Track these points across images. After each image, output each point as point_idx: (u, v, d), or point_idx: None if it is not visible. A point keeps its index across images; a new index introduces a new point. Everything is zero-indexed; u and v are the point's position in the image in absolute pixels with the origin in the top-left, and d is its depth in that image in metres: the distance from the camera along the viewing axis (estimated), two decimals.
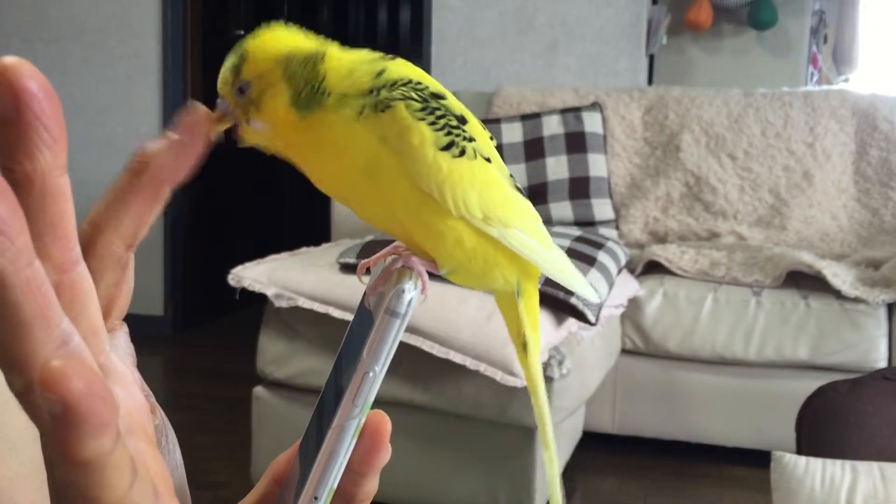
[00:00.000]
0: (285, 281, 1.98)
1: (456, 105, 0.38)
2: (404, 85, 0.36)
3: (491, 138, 0.40)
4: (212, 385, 3.13)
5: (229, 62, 0.36)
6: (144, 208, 0.28)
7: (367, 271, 0.37)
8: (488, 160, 0.38)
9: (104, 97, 3.80)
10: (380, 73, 0.36)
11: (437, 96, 0.37)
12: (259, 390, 2.12)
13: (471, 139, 0.37)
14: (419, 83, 0.36)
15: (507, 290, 0.41)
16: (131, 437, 0.27)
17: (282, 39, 0.37)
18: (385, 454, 0.32)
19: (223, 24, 4.23)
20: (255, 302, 2.12)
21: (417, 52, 3.72)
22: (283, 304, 1.96)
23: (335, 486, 0.31)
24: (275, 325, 2.04)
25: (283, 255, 2.17)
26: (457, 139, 0.36)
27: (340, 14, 5.66)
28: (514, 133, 2.96)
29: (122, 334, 0.30)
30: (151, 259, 3.79)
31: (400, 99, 0.35)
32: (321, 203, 3.03)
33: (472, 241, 0.37)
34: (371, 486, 0.32)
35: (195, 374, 3.33)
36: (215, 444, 2.49)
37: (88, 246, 0.27)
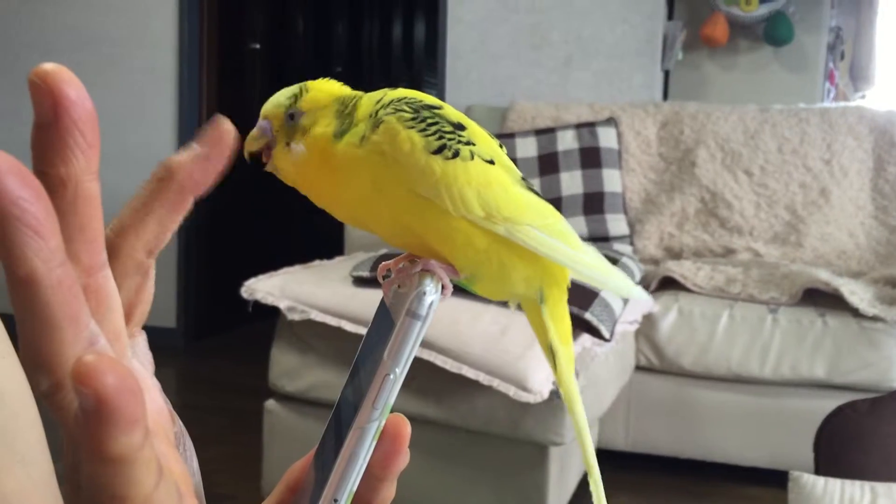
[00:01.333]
0: (298, 294, 1.97)
1: (452, 114, 0.39)
2: (397, 101, 0.38)
3: (501, 146, 0.40)
4: (223, 397, 3.13)
5: (288, 92, 0.40)
6: (167, 216, 0.29)
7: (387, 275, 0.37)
8: (491, 162, 0.38)
9: (120, 109, 3.82)
10: (379, 100, 0.39)
11: (431, 107, 0.38)
12: (270, 403, 2.11)
13: (468, 143, 0.38)
14: (413, 99, 0.39)
15: (530, 297, 0.40)
16: (154, 440, 0.27)
17: (336, 85, 0.41)
18: (404, 458, 0.32)
19: (239, 37, 4.25)
20: (268, 315, 2.12)
21: (432, 66, 3.73)
22: (296, 317, 1.95)
23: (354, 489, 0.31)
24: (287, 338, 2.04)
25: (297, 268, 2.17)
26: (449, 142, 0.37)
27: (355, 29, 5.68)
28: (528, 148, 2.95)
29: (142, 341, 0.30)
30: (164, 271, 3.80)
31: (391, 113, 0.38)
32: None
33: (482, 242, 0.38)
34: (389, 491, 0.32)
35: (206, 387, 3.33)
36: (226, 457, 2.48)
37: (111, 251, 0.28)
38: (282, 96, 0.40)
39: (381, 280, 0.36)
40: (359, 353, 0.34)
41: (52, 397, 0.23)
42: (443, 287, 0.34)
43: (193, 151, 0.29)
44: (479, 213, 0.37)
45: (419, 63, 5.80)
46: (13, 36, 3.85)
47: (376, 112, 0.38)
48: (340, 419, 0.32)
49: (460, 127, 0.38)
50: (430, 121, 0.37)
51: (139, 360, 0.29)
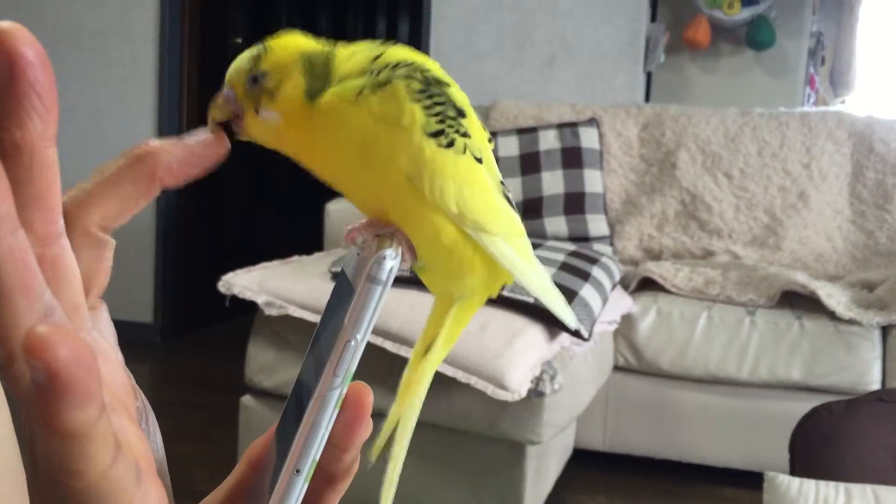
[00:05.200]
0: (276, 289, 1.96)
1: (458, 96, 0.37)
2: (407, 66, 0.36)
3: (490, 140, 0.39)
4: (199, 393, 3.11)
5: (248, 54, 0.37)
6: (132, 198, 0.28)
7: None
8: (480, 160, 0.37)
9: (100, 101, 3.79)
10: (377, 57, 0.36)
11: (441, 83, 0.36)
12: (247, 399, 2.09)
13: (465, 134, 0.37)
14: (423, 66, 0.36)
15: (465, 295, 0.40)
16: (114, 414, 0.26)
17: (303, 40, 0.38)
18: (367, 426, 0.31)
19: (221, 32, 4.22)
20: (246, 310, 2.10)
21: None
22: (274, 312, 1.94)
23: (317, 458, 0.30)
24: (264, 333, 2.02)
25: (275, 263, 2.16)
26: (448, 129, 0.36)
27: (339, 25, 5.67)
28: (510, 147, 2.95)
29: (104, 312, 0.29)
30: (142, 266, 3.77)
31: (403, 78, 0.35)
32: (314, 211, 3.02)
33: (450, 238, 0.37)
34: (352, 461, 0.32)
35: (183, 382, 3.30)
36: (202, 453, 2.46)
37: (67, 221, 0.27)
38: (242, 60, 0.37)
39: (346, 239, 0.35)
40: (320, 323, 0.33)
41: (5, 370, 0.22)
42: (403, 254, 0.33)
43: (181, 144, 0.29)
44: (453, 209, 0.36)
45: None
46: None
47: (378, 71, 0.36)
48: (301, 390, 0.32)
49: (461, 114, 0.37)
50: (437, 99, 0.36)
51: (101, 332, 0.28)
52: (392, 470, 0.41)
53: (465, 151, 0.36)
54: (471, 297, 0.40)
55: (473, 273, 0.38)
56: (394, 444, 0.41)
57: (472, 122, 0.37)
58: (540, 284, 0.40)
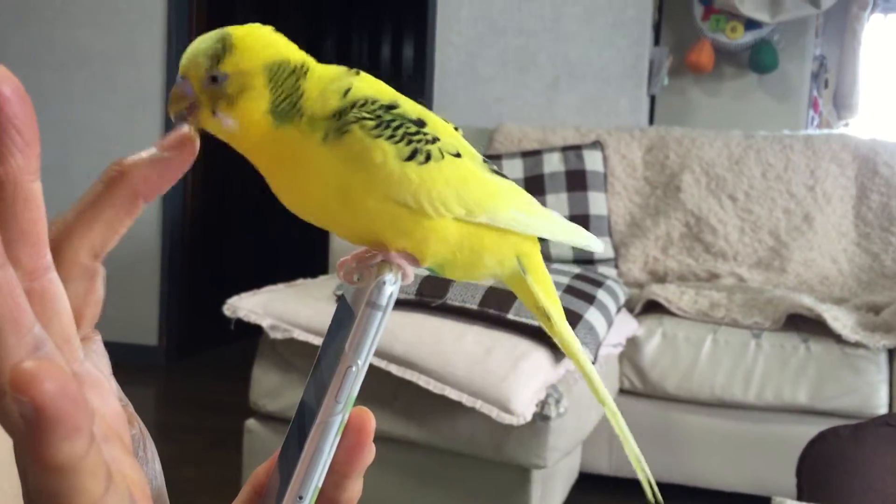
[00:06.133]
0: (281, 312, 1.96)
1: (411, 109, 0.37)
2: (361, 106, 0.35)
3: (456, 128, 0.40)
4: (203, 417, 3.10)
5: (207, 46, 0.34)
6: (116, 219, 0.28)
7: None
8: (458, 155, 0.38)
9: (107, 125, 3.81)
10: (346, 92, 0.36)
11: (389, 107, 0.36)
12: (251, 423, 2.09)
13: (434, 140, 0.37)
14: (373, 99, 0.36)
15: (510, 272, 0.40)
16: (107, 445, 0.26)
17: (270, 42, 0.36)
18: (369, 453, 0.31)
19: None
20: (251, 333, 2.10)
21: (420, 87, 3.73)
22: (279, 335, 1.94)
23: (320, 484, 0.30)
24: (269, 356, 2.02)
25: (280, 287, 2.16)
26: (419, 145, 0.36)
27: (344, 49, 5.70)
28: (514, 169, 2.96)
29: (98, 342, 0.29)
30: (146, 288, 3.77)
31: (354, 122, 0.35)
32: (319, 234, 3.02)
33: (454, 235, 0.37)
34: (355, 488, 0.31)
35: (187, 406, 3.29)
36: (205, 477, 2.45)
37: (54, 253, 0.27)
38: (200, 53, 0.34)
39: (339, 278, 0.35)
40: (320, 349, 0.34)
41: None
42: (403, 275, 0.34)
43: (151, 154, 0.28)
44: (459, 212, 0.37)
45: (407, 83, 5.82)
46: (0, 52, 3.83)
47: (339, 114, 0.35)
48: (304, 416, 0.32)
49: (421, 123, 0.37)
50: (394, 125, 0.35)
51: (94, 363, 0.28)
52: (616, 424, 0.43)
53: (443, 156, 0.37)
54: (524, 258, 0.40)
55: (487, 252, 0.39)
56: (597, 393, 0.43)
57: (435, 123, 0.38)
58: (559, 230, 0.41)
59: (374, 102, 0.36)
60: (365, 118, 0.35)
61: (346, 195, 0.35)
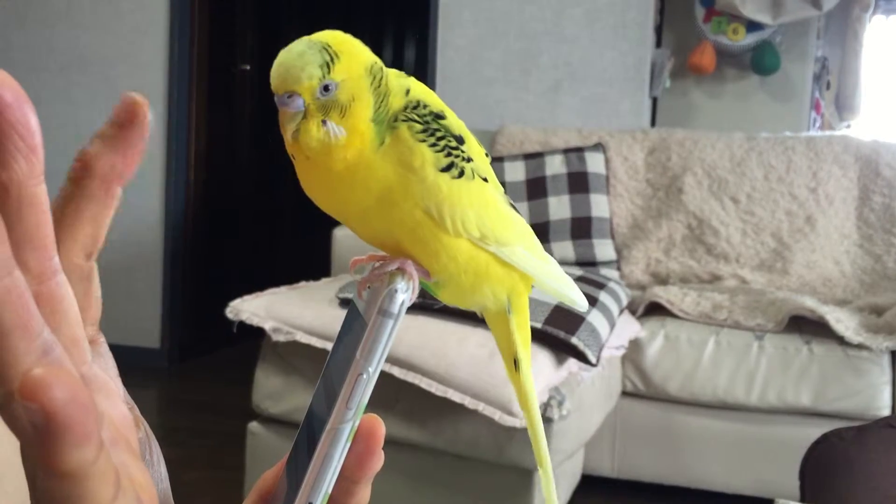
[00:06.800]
0: (283, 315, 1.96)
1: (455, 124, 0.38)
2: (414, 109, 0.36)
3: (487, 154, 0.40)
4: (206, 420, 3.10)
5: (312, 56, 0.34)
6: (99, 212, 0.27)
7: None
8: (485, 179, 0.39)
9: None
10: (407, 91, 0.37)
11: (438, 116, 0.37)
12: (254, 426, 2.09)
13: (469, 159, 0.38)
14: (425, 104, 0.37)
15: (497, 308, 0.41)
16: (115, 448, 0.26)
17: (359, 44, 0.36)
18: (379, 459, 0.31)
19: (229, 58, 4.26)
20: (253, 336, 2.10)
21: None
22: (281, 338, 1.94)
23: (330, 491, 0.30)
24: (272, 359, 2.02)
25: (282, 289, 2.16)
26: (456, 160, 0.37)
27: None
28: (516, 172, 2.96)
29: (104, 345, 0.29)
30: (149, 291, 3.77)
31: (404, 121, 0.36)
32: (321, 237, 3.02)
33: (465, 255, 0.38)
34: (364, 495, 0.32)
35: (189, 408, 3.29)
36: (207, 480, 2.45)
37: None
38: (309, 64, 0.34)
39: (352, 275, 0.36)
40: (331, 354, 0.34)
41: (5, 409, 0.22)
42: (413, 287, 0.34)
43: (104, 135, 0.28)
44: (475, 234, 0.37)
45: None
46: (2, 55, 3.84)
47: (396, 115, 0.36)
48: (313, 422, 0.32)
49: (461, 140, 0.38)
50: (438, 134, 0.36)
51: (101, 365, 0.28)
52: (544, 473, 0.42)
53: (473, 177, 0.38)
54: (515, 298, 0.41)
55: (488, 282, 0.39)
56: (538, 452, 0.42)
57: (472, 144, 0.39)
58: (555, 278, 0.42)
59: (425, 107, 0.37)
60: (414, 120, 0.36)
61: (385, 197, 0.36)
